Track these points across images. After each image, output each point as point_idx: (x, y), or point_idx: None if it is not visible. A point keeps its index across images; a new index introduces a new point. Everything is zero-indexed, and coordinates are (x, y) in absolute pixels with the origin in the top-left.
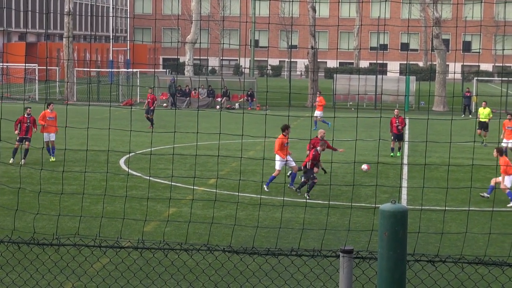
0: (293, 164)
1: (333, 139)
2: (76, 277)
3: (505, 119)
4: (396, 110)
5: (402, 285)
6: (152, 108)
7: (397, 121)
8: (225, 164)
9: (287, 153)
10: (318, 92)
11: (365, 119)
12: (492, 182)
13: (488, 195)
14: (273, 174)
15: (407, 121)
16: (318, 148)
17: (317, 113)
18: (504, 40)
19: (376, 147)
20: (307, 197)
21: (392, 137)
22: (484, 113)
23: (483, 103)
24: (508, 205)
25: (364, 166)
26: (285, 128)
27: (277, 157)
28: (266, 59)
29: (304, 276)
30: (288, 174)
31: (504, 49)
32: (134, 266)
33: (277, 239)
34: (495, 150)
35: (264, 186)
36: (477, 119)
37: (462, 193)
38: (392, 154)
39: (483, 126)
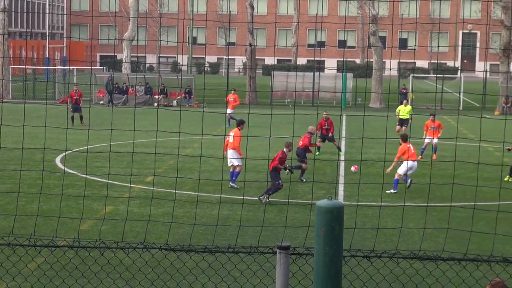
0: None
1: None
2: (10, 277)
3: (428, 119)
4: (325, 113)
5: (338, 280)
6: (78, 104)
7: (326, 124)
8: (163, 161)
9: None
10: (232, 90)
11: (302, 116)
12: (396, 176)
13: (395, 191)
14: (237, 170)
15: (344, 117)
16: (285, 149)
17: (229, 110)
18: (439, 37)
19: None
20: (267, 200)
21: (319, 137)
22: (405, 110)
23: (404, 101)
24: (388, 191)
25: (352, 168)
26: (240, 123)
27: (236, 153)
28: (204, 56)
29: (241, 273)
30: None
31: (439, 46)
32: (70, 265)
33: (214, 236)
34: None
35: (231, 183)
36: (397, 116)
37: (398, 189)
38: (318, 152)
39: (404, 123)
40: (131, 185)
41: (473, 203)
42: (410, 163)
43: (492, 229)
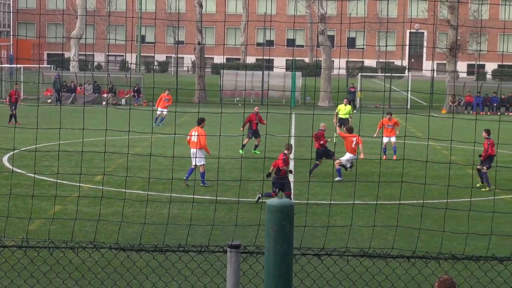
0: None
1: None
2: None
3: (385, 117)
4: (256, 107)
5: (289, 279)
6: (16, 103)
7: (256, 118)
8: (112, 160)
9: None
10: (167, 90)
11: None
12: (337, 166)
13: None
14: (201, 171)
15: (293, 116)
16: (286, 151)
17: (161, 109)
18: (387, 36)
19: (263, 142)
20: (258, 197)
21: (249, 134)
22: (345, 110)
23: (345, 100)
24: (335, 179)
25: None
26: (202, 121)
27: (201, 152)
28: (153, 54)
29: (191, 272)
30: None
31: (387, 46)
32: (18, 265)
33: (164, 236)
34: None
35: (202, 184)
36: (336, 115)
37: (347, 187)
38: (241, 151)
39: (344, 123)
40: (80, 184)
41: (422, 201)
42: (348, 155)
43: (440, 227)
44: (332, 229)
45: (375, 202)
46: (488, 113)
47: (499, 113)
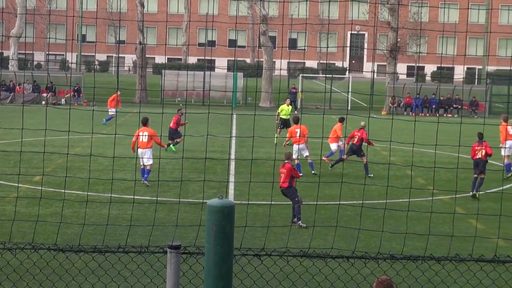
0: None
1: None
2: None
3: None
4: (179, 110)
5: (229, 279)
6: None
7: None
8: (51, 160)
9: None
10: (118, 91)
11: (193, 114)
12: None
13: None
14: (148, 168)
15: (234, 117)
16: (287, 160)
17: (113, 109)
18: (328, 37)
19: (204, 142)
20: (303, 225)
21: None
22: (288, 110)
23: (287, 100)
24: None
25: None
26: (147, 121)
27: (149, 152)
28: (94, 54)
29: (131, 272)
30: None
31: (328, 47)
32: None
33: (104, 236)
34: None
35: (144, 181)
36: (278, 115)
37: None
38: (172, 148)
39: (284, 123)
40: (19, 185)
41: (361, 202)
42: (295, 146)
43: (379, 227)
44: (272, 229)
45: (315, 203)
46: (427, 114)
47: (438, 115)
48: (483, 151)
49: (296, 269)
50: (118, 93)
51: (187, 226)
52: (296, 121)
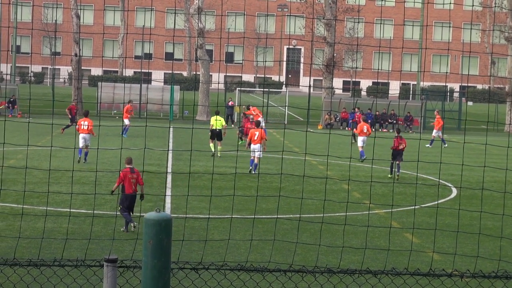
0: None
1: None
2: None
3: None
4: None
5: None
6: None
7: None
8: None
9: None
10: (130, 102)
11: (131, 127)
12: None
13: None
14: (86, 150)
15: (171, 130)
16: None
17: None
18: (265, 52)
19: (141, 155)
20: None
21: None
22: (219, 121)
23: (217, 111)
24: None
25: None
26: (88, 113)
27: (90, 136)
28: (29, 65)
29: (67, 286)
30: None
31: (265, 61)
32: None
33: (39, 250)
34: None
35: (83, 159)
36: (211, 126)
37: (225, 201)
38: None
39: (217, 135)
40: None
41: (298, 215)
42: (252, 146)
43: (316, 241)
44: (209, 243)
45: (253, 216)
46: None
47: (373, 130)
48: (403, 144)
49: (233, 282)
50: (130, 103)
51: (124, 239)
52: (257, 125)
